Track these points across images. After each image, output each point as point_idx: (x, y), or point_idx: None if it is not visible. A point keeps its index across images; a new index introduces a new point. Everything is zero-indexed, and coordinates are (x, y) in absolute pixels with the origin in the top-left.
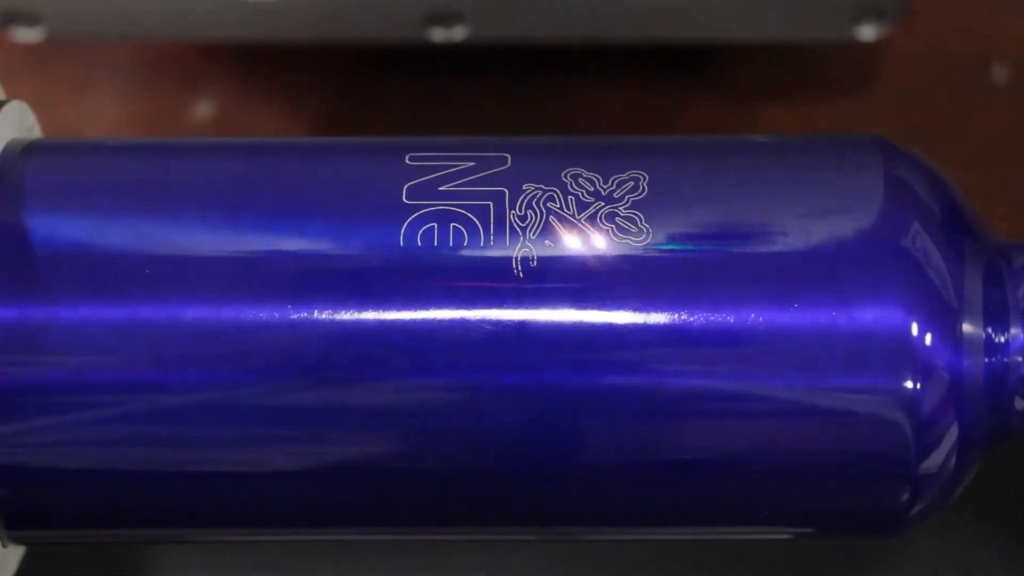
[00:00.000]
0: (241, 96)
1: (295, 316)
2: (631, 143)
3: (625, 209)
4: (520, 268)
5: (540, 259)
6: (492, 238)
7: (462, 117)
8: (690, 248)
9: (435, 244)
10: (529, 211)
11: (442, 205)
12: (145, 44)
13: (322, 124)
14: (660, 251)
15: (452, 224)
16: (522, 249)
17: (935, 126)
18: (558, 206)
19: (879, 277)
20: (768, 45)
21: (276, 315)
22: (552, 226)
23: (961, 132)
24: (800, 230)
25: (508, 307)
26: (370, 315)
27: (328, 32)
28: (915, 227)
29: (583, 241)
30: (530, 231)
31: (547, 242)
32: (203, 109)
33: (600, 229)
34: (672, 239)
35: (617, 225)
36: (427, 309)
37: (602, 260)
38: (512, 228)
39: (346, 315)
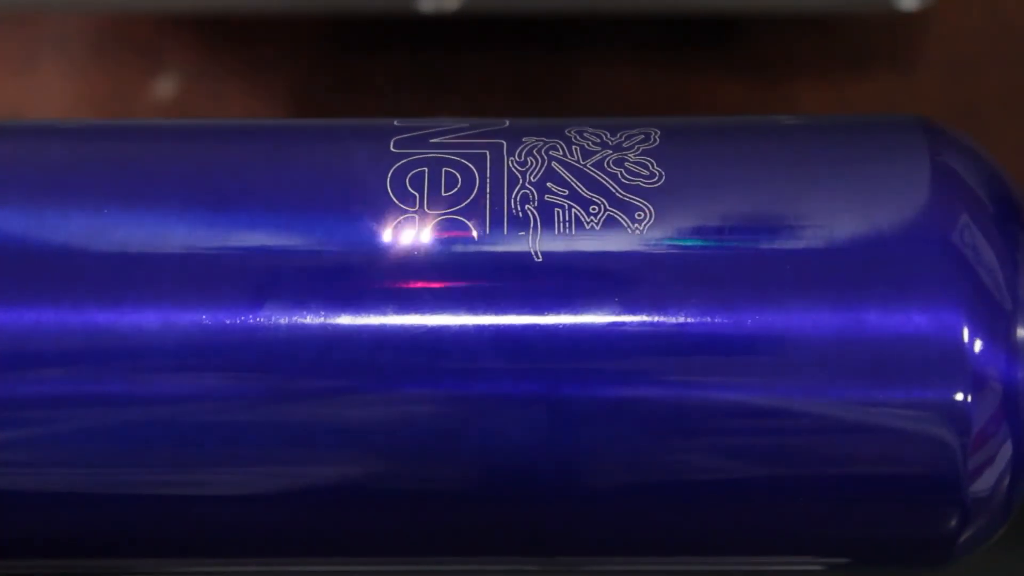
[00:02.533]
0: (204, 73)
1: (264, 319)
2: (644, 121)
3: (635, 155)
4: (520, 210)
5: (541, 203)
6: (489, 182)
7: (454, 98)
8: (706, 242)
9: (425, 189)
10: (529, 158)
11: (433, 153)
12: (96, 15)
13: (295, 104)
14: (673, 245)
15: (444, 169)
16: (521, 191)
17: (988, 105)
18: (561, 154)
19: (923, 276)
20: (799, 16)
21: (241, 317)
22: (555, 171)
23: (1018, 112)
24: (833, 222)
25: (507, 272)
26: (348, 315)
27: (302, 1)
28: (964, 220)
29: (588, 185)
30: (530, 175)
31: (549, 184)
32: (161, 87)
33: (608, 172)
34: (686, 228)
35: (627, 168)
36: (412, 308)
37: (609, 206)
38: (511, 173)
39: (320, 315)
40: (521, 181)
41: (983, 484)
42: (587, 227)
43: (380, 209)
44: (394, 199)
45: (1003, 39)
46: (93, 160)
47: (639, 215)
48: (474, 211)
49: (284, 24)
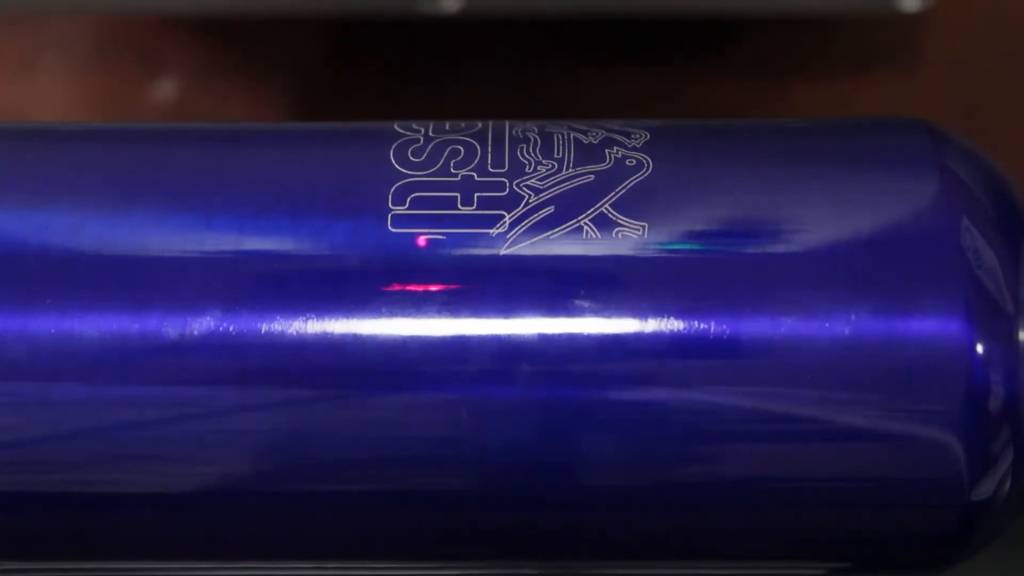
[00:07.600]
0: (205, 75)
1: (263, 323)
2: (640, 123)
3: (626, 125)
4: (521, 135)
5: (541, 132)
6: (491, 125)
7: (454, 100)
8: (703, 247)
9: (429, 125)
10: (528, 121)
11: (437, 121)
12: (98, 17)
13: (297, 107)
14: (669, 250)
15: (448, 122)
16: (523, 128)
17: (989, 106)
18: (557, 124)
19: (924, 280)
20: (799, 17)
21: (241, 320)
22: (553, 124)
23: (1019, 113)
24: (834, 226)
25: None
26: (347, 318)
27: (303, 2)
28: (965, 223)
29: (585, 126)
30: (530, 128)
31: (548, 126)
32: (162, 89)
33: (605, 128)
34: (681, 232)
35: (619, 129)
36: (412, 310)
37: (607, 131)
38: (511, 127)
39: (319, 319)
40: (522, 126)
41: (985, 488)
42: (585, 143)
43: (384, 139)
44: (397, 128)
45: (1003, 39)
46: (94, 163)
47: (635, 136)
48: (477, 136)
49: (284, 25)
